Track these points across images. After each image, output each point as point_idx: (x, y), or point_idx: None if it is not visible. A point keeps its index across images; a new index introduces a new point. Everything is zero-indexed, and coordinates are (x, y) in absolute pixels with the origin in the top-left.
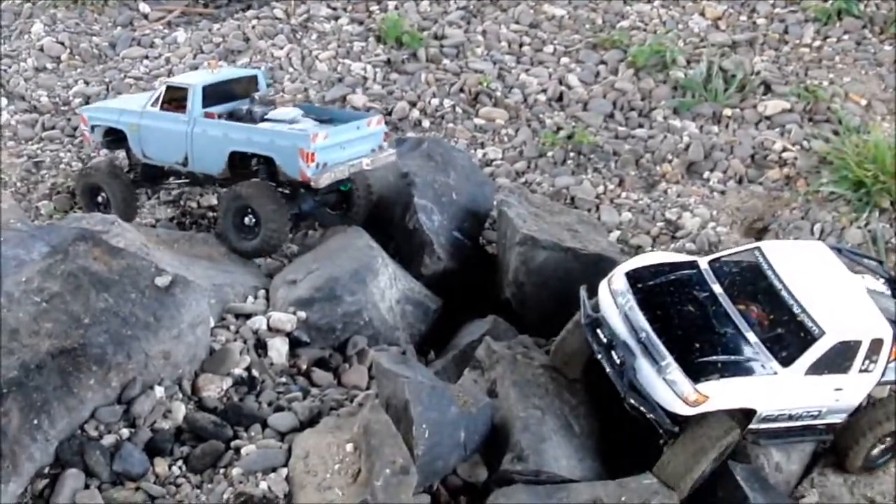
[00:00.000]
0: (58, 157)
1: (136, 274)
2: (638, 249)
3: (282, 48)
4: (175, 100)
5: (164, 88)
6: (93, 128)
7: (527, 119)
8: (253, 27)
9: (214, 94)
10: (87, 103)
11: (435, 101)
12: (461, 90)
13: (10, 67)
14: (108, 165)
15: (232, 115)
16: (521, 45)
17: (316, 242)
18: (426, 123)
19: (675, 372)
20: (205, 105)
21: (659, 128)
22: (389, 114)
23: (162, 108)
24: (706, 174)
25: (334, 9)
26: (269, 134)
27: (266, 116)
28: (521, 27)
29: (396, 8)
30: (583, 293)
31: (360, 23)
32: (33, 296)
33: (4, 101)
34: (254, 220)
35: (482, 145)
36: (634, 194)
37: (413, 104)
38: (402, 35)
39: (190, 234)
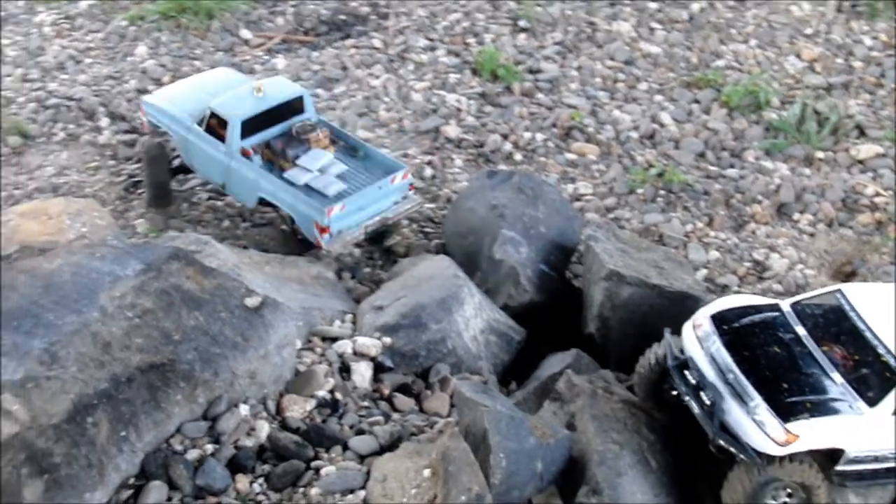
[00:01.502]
0: None
1: (226, 294)
2: (724, 289)
3: (378, 78)
4: (218, 125)
5: (208, 112)
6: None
7: (618, 155)
8: (351, 56)
9: (256, 123)
10: None
11: (527, 135)
12: (554, 125)
13: (112, 88)
14: (154, 148)
15: (269, 147)
16: (615, 82)
17: (404, 269)
18: (518, 157)
19: (764, 412)
20: (247, 135)
21: (750, 168)
22: (482, 146)
23: (207, 130)
24: (796, 216)
25: (432, 40)
26: (292, 195)
27: (297, 161)
28: (615, 63)
29: (493, 41)
30: (667, 335)
31: (457, 55)
32: (126, 311)
33: (107, 120)
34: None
35: (573, 180)
36: (723, 233)
37: (506, 137)
38: (498, 68)
39: (282, 256)
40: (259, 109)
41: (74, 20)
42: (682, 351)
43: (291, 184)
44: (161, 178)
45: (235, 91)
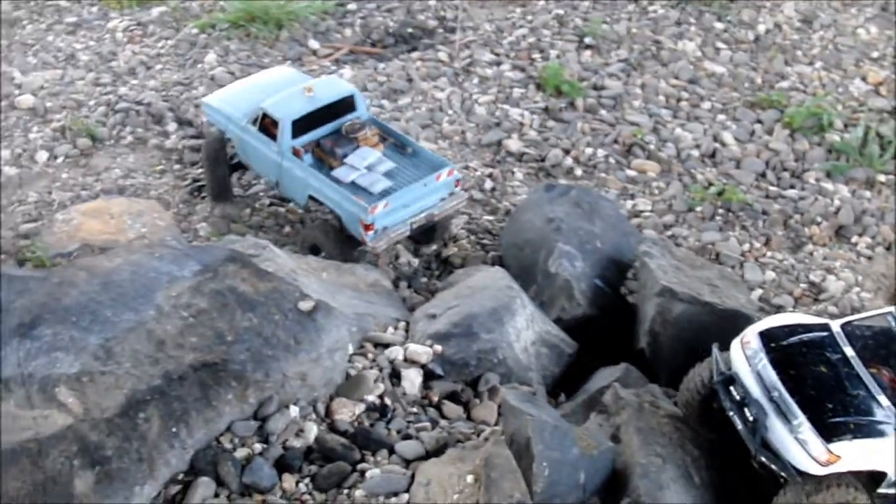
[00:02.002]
0: None
1: (280, 297)
2: (779, 309)
3: (443, 90)
4: (271, 125)
5: (261, 112)
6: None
7: (678, 173)
8: (417, 68)
9: (307, 122)
10: None
11: (589, 150)
12: (615, 141)
13: (181, 94)
14: (215, 142)
15: (319, 145)
16: (678, 100)
17: (459, 279)
18: (578, 172)
19: (807, 431)
20: (298, 134)
21: (810, 190)
22: (543, 160)
23: (260, 129)
24: (854, 238)
25: (497, 55)
26: (339, 193)
27: (345, 159)
28: (679, 82)
29: (558, 57)
30: (715, 350)
31: (522, 70)
32: (182, 310)
33: (174, 125)
34: (324, 257)
35: (632, 196)
36: (780, 254)
37: (567, 152)
38: (562, 84)
39: (339, 263)
40: (309, 109)
41: (146, 27)
42: (728, 367)
43: (339, 181)
44: (220, 173)
45: (287, 91)
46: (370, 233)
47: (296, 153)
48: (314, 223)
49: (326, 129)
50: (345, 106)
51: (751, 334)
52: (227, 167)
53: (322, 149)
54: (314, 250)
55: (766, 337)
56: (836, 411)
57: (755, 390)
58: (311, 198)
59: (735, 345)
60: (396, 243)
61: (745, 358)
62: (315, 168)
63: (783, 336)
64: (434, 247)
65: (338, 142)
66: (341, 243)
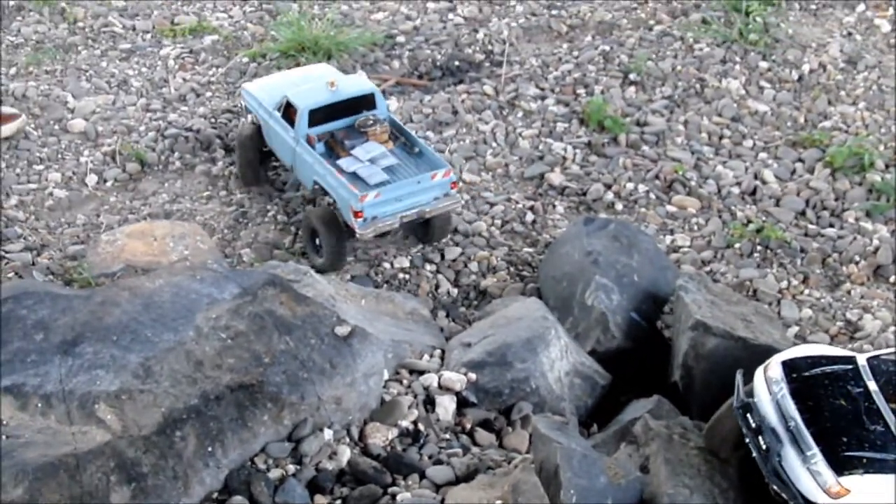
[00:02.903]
0: (264, 209)
1: (317, 321)
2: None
3: (488, 123)
4: (292, 112)
5: (285, 100)
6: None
7: (718, 210)
8: (462, 101)
9: (325, 113)
10: None
11: (630, 186)
12: (657, 177)
13: (230, 122)
14: (247, 130)
15: (333, 136)
16: (720, 138)
17: (496, 309)
18: (619, 206)
19: (820, 463)
20: (314, 123)
21: (849, 229)
22: (584, 194)
23: (283, 115)
24: (892, 278)
25: (542, 89)
26: (337, 181)
27: (352, 152)
28: (722, 120)
29: (603, 93)
30: (738, 377)
31: (566, 104)
32: (220, 332)
33: (222, 152)
34: (320, 242)
35: (671, 232)
36: (817, 292)
37: (608, 186)
38: (605, 119)
39: (379, 291)
40: (328, 101)
41: (198, 55)
42: (749, 395)
43: (341, 170)
44: (251, 157)
45: (313, 83)
46: (359, 220)
47: (309, 141)
48: (315, 209)
49: (343, 122)
50: (365, 103)
51: (774, 364)
52: (258, 153)
53: (335, 139)
54: (314, 235)
55: (789, 367)
56: (850, 445)
57: (773, 419)
58: (315, 184)
59: (758, 373)
60: (384, 234)
61: (767, 387)
62: (325, 157)
63: (806, 367)
64: (433, 244)
65: (349, 134)
66: (337, 231)
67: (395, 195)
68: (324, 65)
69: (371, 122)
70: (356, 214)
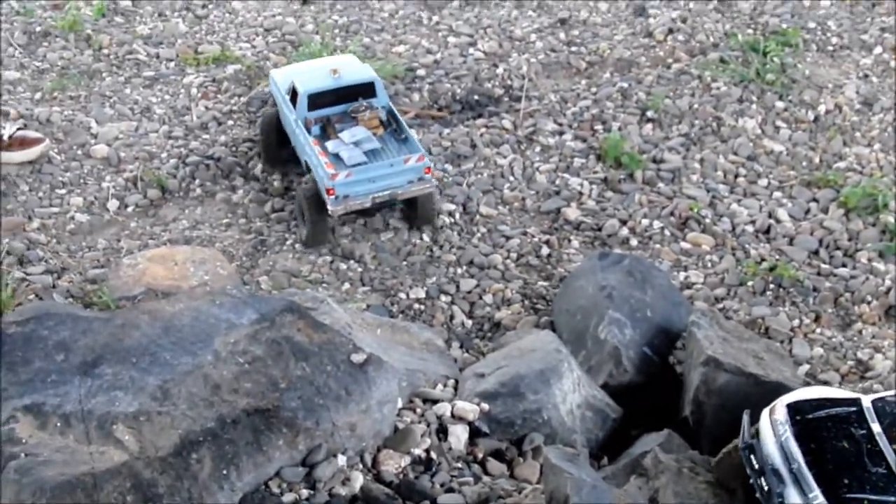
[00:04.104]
0: (283, 237)
1: (334, 348)
2: (825, 385)
3: (506, 157)
4: (296, 96)
5: (292, 85)
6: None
7: (732, 248)
8: (481, 135)
9: (324, 98)
10: None
11: (645, 222)
12: (672, 213)
13: (250, 150)
14: (269, 113)
15: (329, 120)
16: (736, 176)
17: (509, 341)
18: (634, 242)
19: None
20: (315, 107)
21: (862, 269)
22: (600, 229)
23: (291, 99)
24: None
25: (560, 125)
26: (318, 160)
27: (339, 133)
28: (738, 158)
29: (620, 129)
30: (745, 418)
31: (584, 140)
32: (238, 357)
33: (242, 180)
34: (304, 221)
35: (685, 268)
36: (829, 331)
37: (624, 222)
38: (622, 155)
39: (394, 320)
40: (327, 87)
41: (220, 84)
42: (754, 435)
43: (326, 152)
44: (271, 139)
45: (317, 70)
46: (331, 197)
47: (307, 123)
48: (304, 185)
49: (342, 108)
50: (366, 91)
51: (779, 406)
52: (277, 135)
53: (329, 123)
54: (301, 210)
55: (794, 409)
56: (851, 487)
57: (777, 461)
58: (305, 162)
59: (764, 415)
60: (355, 212)
61: (772, 428)
62: (318, 139)
63: (810, 409)
64: (421, 228)
65: (342, 119)
66: (318, 208)
67: (367, 176)
68: (349, 56)
69: (363, 108)
70: (328, 192)
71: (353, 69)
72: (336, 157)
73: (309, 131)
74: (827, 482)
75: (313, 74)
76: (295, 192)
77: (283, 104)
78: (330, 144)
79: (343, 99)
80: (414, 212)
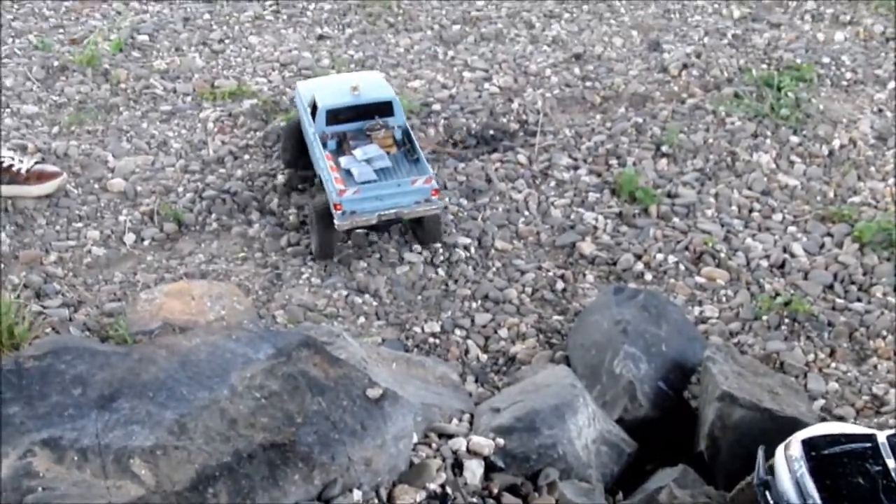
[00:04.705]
0: (299, 271)
1: (350, 383)
2: (840, 420)
3: (521, 192)
4: (316, 109)
5: (313, 99)
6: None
7: (747, 282)
8: (496, 169)
9: (342, 114)
10: None
11: (660, 256)
12: (686, 248)
13: (266, 185)
14: (292, 123)
15: (345, 136)
16: (750, 211)
17: (525, 376)
18: (648, 276)
19: None
20: (332, 123)
21: (877, 304)
22: (615, 264)
23: (311, 113)
24: None
25: (575, 160)
26: (329, 175)
27: (353, 150)
28: (752, 193)
29: (635, 164)
30: (760, 453)
31: (598, 175)
32: (255, 391)
33: (258, 214)
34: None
35: (700, 303)
36: (844, 366)
37: (638, 257)
38: (637, 190)
39: (409, 355)
40: (346, 104)
41: (237, 118)
42: (769, 472)
43: (338, 167)
44: (292, 147)
45: (339, 85)
46: (338, 212)
47: (323, 137)
48: (314, 200)
49: (359, 124)
50: (384, 109)
51: (794, 442)
52: (298, 144)
53: (346, 139)
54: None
55: (809, 445)
56: None
57: (792, 497)
58: (317, 176)
59: (779, 451)
60: (360, 228)
61: (787, 465)
62: (333, 153)
63: (825, 445)
64: (428, 246)
65: (357, 136)
66: (326, 222)
67: (375, 194)
68: (375, 73)
69: (378, 127)
70: (336, 207)
71: (373, 87)
72: (347, 173)
73: (325, 145)
74: None
75: (334, 90)
76: (309, 211)
77: (304, 116)
78: (343, 160)
79: (361, 116)
80: (421, 229)
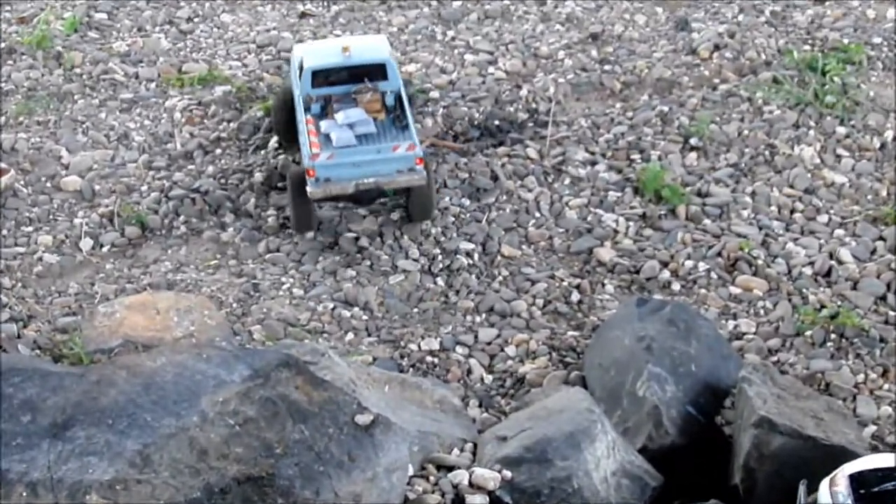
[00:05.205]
0: (279, 281)
1: (336, 408)
2: (894, 449)
3: (531, 191)
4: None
5: (300, 60)
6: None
7: (788, 292)
8: (503, 165)
9: (330, 76)
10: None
11: (689, 264)
12: (719, 254)
13: (241, 182)
14: (285, 89)
15: (328, 101)
16: (792, 212)
17: (535, 399)
18: (676, 286)
19: None
20: (319, 85)
21: None
22: (637, 272)
23: (299, 74)
24: None
25: (592, 153)
26: (305, 138)
27: (336, 112)
28: (794, 192)
29: (660, 158)
30: (801, 488)
31: (619, 171)
32: (228, 418)
33: (232, 216)
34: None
35: (734, 316)
36: None
37: (665, 264)
38: (663, 188)
39: (404, 376)
40: (333, 65)
41: (207, 107)
42: None
43: (317, 131)
44: (285, 117)
45: (329, 47)
46: (311, 178)
47: (307, 100)
48: (292, 168)
49: (345, 88)
50: (377, 72)
51: (841, 477)
52: (291, 114)
53: (329, 102)
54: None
55: (857, 481)
56: None
57: None
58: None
59: (823, 486)
60: (334, 197)
61: (832, 501)
62: (316, 118)
63: (876, 481)
64: (414, 222)
65: (342, 99)
66: (304, 193)
67: (351, 160)
68: (379, 37)
69: (366, 90)
70: (308, 173)
71: (367, 49)
72: (326, 138)
73: (309, 109)
74: None
75: (324, 51)
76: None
77: (294, 79)
78: (324, 124)
79: (353, 79)
80: (410, 204)
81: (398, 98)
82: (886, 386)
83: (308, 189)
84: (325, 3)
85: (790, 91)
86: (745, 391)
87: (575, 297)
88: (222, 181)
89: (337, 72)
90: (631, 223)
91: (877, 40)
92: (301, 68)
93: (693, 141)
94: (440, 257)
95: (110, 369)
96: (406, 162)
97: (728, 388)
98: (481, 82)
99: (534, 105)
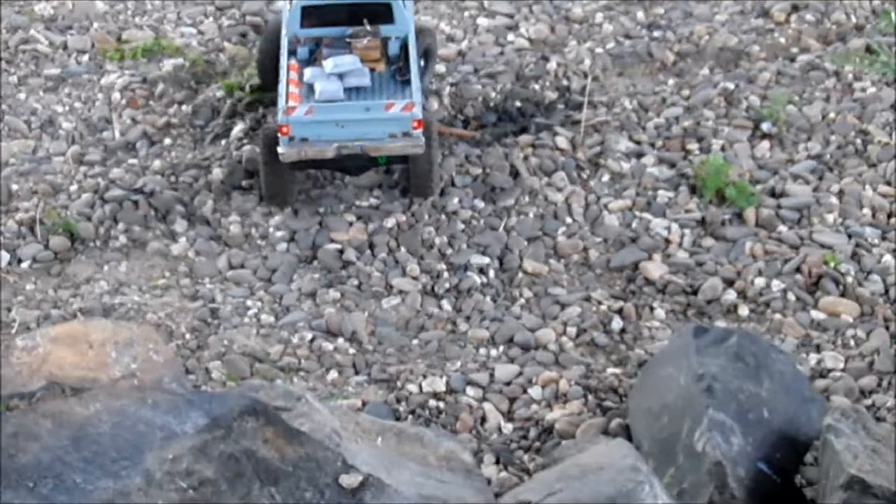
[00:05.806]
0: (243, 305)
1: (315, 467)
2: None
3: (560, 190)
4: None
5: None
6: None
7: (885, 318)
8: (525, 158)
9: (323, 14)
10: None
11: (760, 282)
12: (798, 269)
13: (197, 180)
14: (273, 22)
15: (318, 43)
16: (889, 216)
17: (566, 454)
18: (744, 311)
19: None
20: (310, 24)
21: None
22: (695, 293)
23: (289, 4)
24: None
25: (638, 143)
26: (283, 88)
27: (325, 58)
28: (892, 190)
29: (723, 149)
30: None
31: (672, 165)
32: (179, 480)
33: (185, 223)
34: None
35: (817, 348)
36: None
37: (730, 283)
38: (727, 186)
39: (402, 425)
40: (325, 1)
41: (154, 85)
42: None
43: (299, 80)
44: (271, 56)
45: None
46: (284, 137)
47: (294, 42)
48: (265, 126)
49: (343, 30)
50: (380, 14)
51: None
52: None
53: (319, 46)
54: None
55: None
56: None
57: None
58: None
59: None
60: (314, 163)
61: None
62: (301, 64)
63: None
64: (413, 199)
65: (334, 43)
66: (276, 156)
67: (334, 118)
68: None
69: (363, 33)
70: (281, 129)
71: None
72: (309, 88)
73: (296, 52)
74: None
75: None
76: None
77: (284, 14)
78: (308, 71)
79: (352, 19)
80: (409, 175)
81: (404, 47)
82: None
83: (280, 149)
84: None
85: (887, 63)
86: (832, 444)
87: (616, 324)
88: (172, 179)
89: (333, 9)
90: (687, 231)
91: None
92: (290, 3)
93: (765, 127)
94: (446, 274)
95: (31, 418)
96: (400, 124)
97: (809, 440)
98: (499, 53)
99: (564, 82)
